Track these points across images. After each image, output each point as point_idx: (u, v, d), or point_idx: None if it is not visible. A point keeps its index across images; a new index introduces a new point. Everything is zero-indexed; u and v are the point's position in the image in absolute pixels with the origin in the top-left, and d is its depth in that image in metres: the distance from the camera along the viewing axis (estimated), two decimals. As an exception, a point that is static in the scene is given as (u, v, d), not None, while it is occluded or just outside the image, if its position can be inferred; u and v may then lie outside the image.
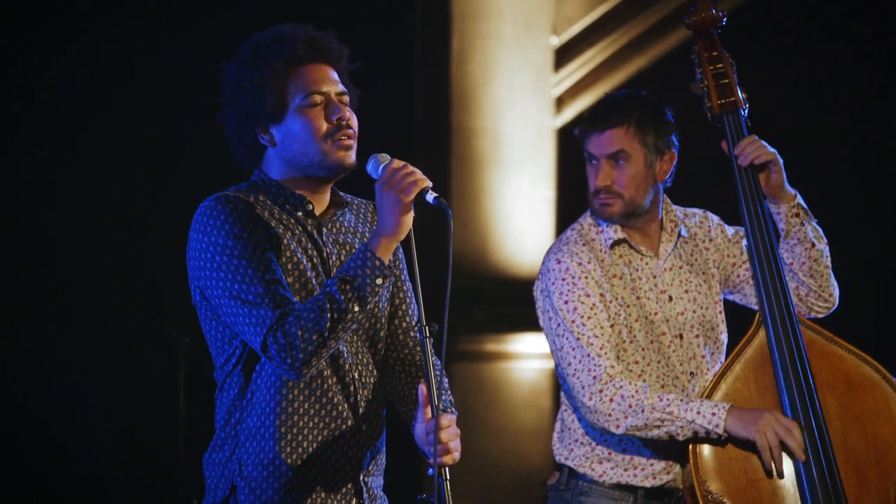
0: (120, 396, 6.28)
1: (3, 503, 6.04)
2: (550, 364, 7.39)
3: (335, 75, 3.41)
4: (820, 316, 4.24)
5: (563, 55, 7.49)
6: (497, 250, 7.33)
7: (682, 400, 3.99)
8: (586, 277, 4.12)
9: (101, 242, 6.29)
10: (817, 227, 4.18)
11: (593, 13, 7.52)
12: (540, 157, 7.39)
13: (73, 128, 6.26)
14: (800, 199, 4.16)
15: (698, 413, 3.97)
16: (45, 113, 6.24)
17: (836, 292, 4.24)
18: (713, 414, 3.96)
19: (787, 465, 3.97)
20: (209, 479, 3.43)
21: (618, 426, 4.03)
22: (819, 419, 3.98)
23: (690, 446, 4.01)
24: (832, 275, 4.22)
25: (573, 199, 7.39)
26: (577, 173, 7.43)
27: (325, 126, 3.35)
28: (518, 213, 7.34)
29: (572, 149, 7.45)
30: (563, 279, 4.13)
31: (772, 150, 4.14)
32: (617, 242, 4.19)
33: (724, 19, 4.24)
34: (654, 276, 4.20)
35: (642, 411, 3.99)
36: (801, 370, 4.01)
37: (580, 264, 4.14)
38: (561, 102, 7.51)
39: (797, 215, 4.14)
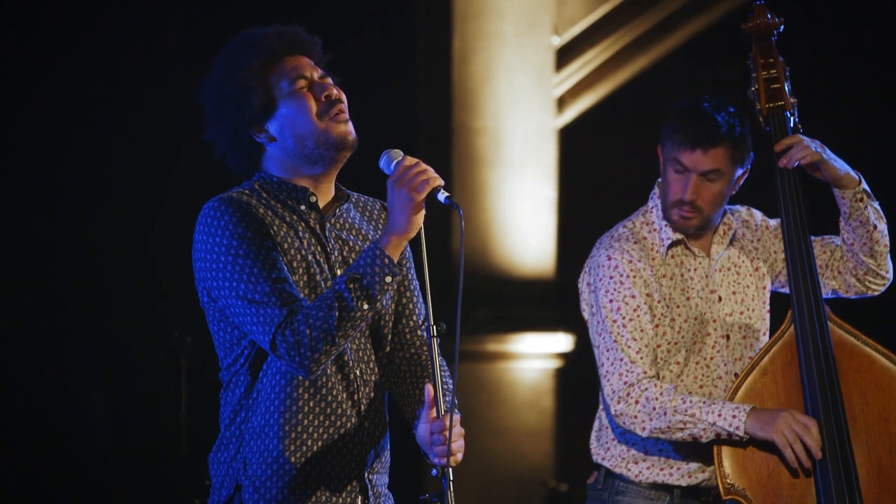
0: (122, 396, 6.29)
1: (4, 503, 6.04)
2: (552, 364, 7.40)
3: (313, 63, 3.42)
4: (876, 293, 4.24)
5: (565, 55, 7.50)
6: (499, 250, 7.33)
7: (704, 402, 4.01)
8: (635, 277, 4.14)
9: (103, 242, 6.29)
10: (878, 209, 4.16)
11: (595, 13, 7.53)
12: (542, 157, 7.40)
13: (74, 127, 6.26)
14: (864, 184, 4.14)
15: (719, 415, 3.99)
16: (45, 113, 6.25)
17: (891, 267, 4.24)
18: (734, 416, 3.98)
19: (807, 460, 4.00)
20: (214, 477, 3.42)
21: (643, 428, 4.05)
22: (840, 418, 4.00)
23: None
24: (889, 253, 4.23)
25: (575, 199, 7.45)
26: (578, 173, 7.47)
27: (315, 105, 3.36)
28: (520, 212, 7.35)
29: (574, 148, 7.51)
30: (612, 277, 4.15)
31: (817, 148, 4.12)
32: (675, 243, 4.20)
33: (782, 26, 4.24)
34: (706, 276, 4.22)
35: (665, 413, 4.02)
36: (825, 369, 4.03)
37: (630, 262, 4.15)
38: (562, 102, 7.52)
39: (861, 200, 4.12)
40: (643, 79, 7.52)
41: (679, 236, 4.20)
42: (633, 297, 4.13)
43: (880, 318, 4.81)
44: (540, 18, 7.39)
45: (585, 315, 4.24)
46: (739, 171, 4.20)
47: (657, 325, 4.15)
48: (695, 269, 4.22)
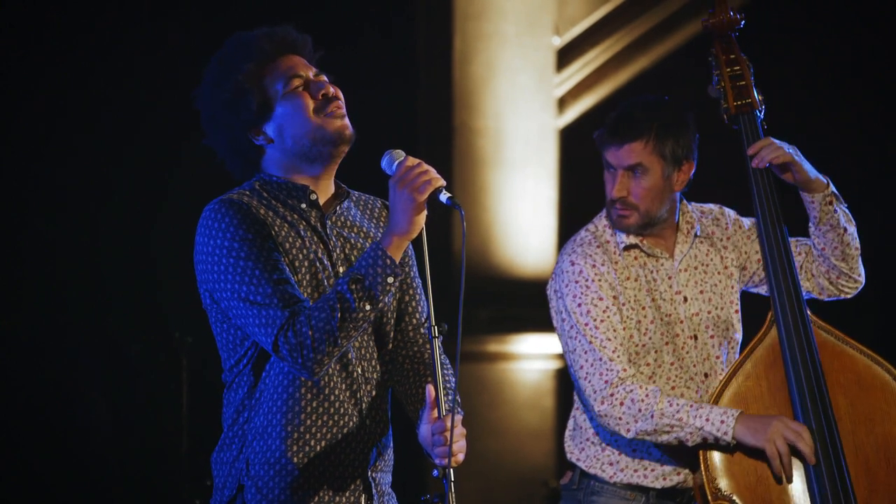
0: (122, 397, 6.29)
1: (4, 503, 6.04)
2: (553, 364, 7.39)
3: (306, 62, 3.42)
4: (849, 296, 4.24)
5: (566, 55, 7.50)
6: (500, 250, 7.33)
7: (691, 406, 4.00)
8: (599, 280, 4.12)
9: (103, 242, 6.29)
10: (847, 211, 4.16)
11: (596, 13, 7.53)
12: (542, 157, 7.40)
13: (74, 127, 6.26)
14: (832, 188, 4.13)
15: (707, 420, 3.97)
16: (45, 112, 6.25)
17: (863, 271, 4.23)
18: (722, 421, 3.95)
19: (797, 464, 3.98)
20: (217, 478, 3.42)
21: (628, 430, 4.03)
22: (830, 419, 3.99)
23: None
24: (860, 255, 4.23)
25: (576, 199, 7.44)
26: (579, 173, 7.47)
27: (312, 103, 3.36)
28: (521, 212, 7.35)
29: (575, 149, 7.51)
30: (577, 281, 4.13)
31: (789, 149, 4.10)
32: (629, 247, 4.19)
33: (743, 22, 4.23)
34: (670, 277, 4.20)
35: (651, 416, 4.00)
36: (812, 370, 4.01)
37: (594, 266, 4.14)
38: (563, 102, 7.52)
39: (830, 203, 4.11)
40: (644, 79, 7.52)
41: (633, 240, 4.18)
42: (601, 299, 4.11)
43: (873, 318, 4.82)
44: (541, 18, 7.39)
45: (554, 322, 4.21)
46: (673, 165, 4.15)
47: (625, 328, 4.13)
48: (657, 271, 4.20)
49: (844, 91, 7.06)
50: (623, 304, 4.13)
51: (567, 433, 4.30)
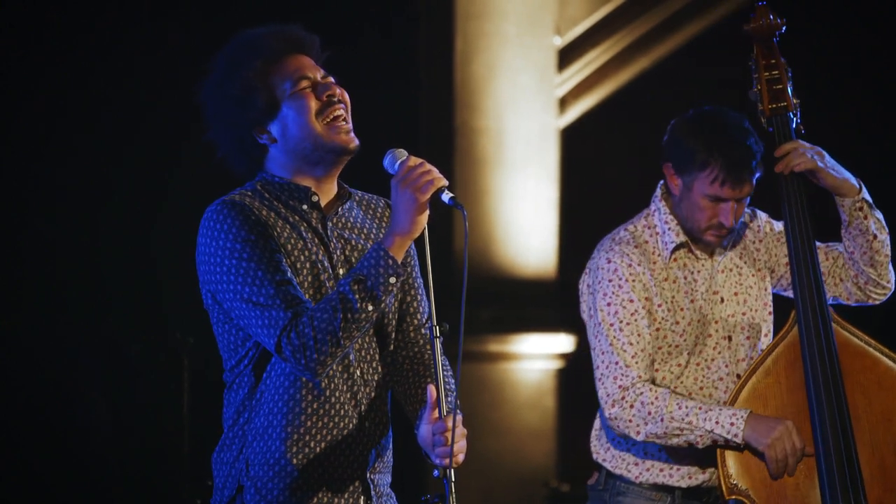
0: (123, 397, 6.29)
1: (5, 503, 6.04)
2: (554, 364, 7.40)
3: (314, 63, 3.42)
4: (877, 302, 4.26)
5: (567, 55, 7.50)
6: (501, 250, 7.33)
7: (701, 408, 4.02)
8: (634, 281, 4.14)
9: (103, 242, 6.29)
10: (880, 219, 4.17)
11: (597, 13, 7.53)
12: (544, 157, 7.40)
13: (74, 127, 6.26)
14: (864, 193, 4.15)
15: (717, 423, 4.00)
16: (45, 112, 6.25)
17: (893, 277, 4.25)
18: (732, 423, 3.99)
19: (810, 460, 4.02)
20: (217, 478, 3.42)
21: (638, 432, 4.06)
22: (844, 416, 4.02)
23: None
24: (891, 262, 4.24)
25: (577, 199, 7.45)
26: (580, 173, 7.47)
27: (316, 104, 3.35)
28: (522, 213, 7.35)
29: (576, 149, 7.51)
30: (610, 280, 4.15)
31: (812, 155, 4.12)
32: (679, 246, 4.20)
33: (784, 27, 4.24)
34: (711, 277, 4.23)
35: (661, 420, 4.02)
36: (829, 368, 4.05)
37: (629, 266, 4.15)
38: (564, 102, 7.52)
39: (860, 209, 4.13)
40: (645, 79, 7.53)
41: (684, 238, 4.20)
42: (631, 301, 4.13)
43: (886, 322, 4.82)
44: (542, 18, 7.39)
45: (584, 317, 4.25)
46: None
47: (658, 329, 4.15)
48: (698, 271, 4.22)
49: (844, 91, 7.06)
50: (659, 306, 4.15)
51: (593, 433, 4.32)
